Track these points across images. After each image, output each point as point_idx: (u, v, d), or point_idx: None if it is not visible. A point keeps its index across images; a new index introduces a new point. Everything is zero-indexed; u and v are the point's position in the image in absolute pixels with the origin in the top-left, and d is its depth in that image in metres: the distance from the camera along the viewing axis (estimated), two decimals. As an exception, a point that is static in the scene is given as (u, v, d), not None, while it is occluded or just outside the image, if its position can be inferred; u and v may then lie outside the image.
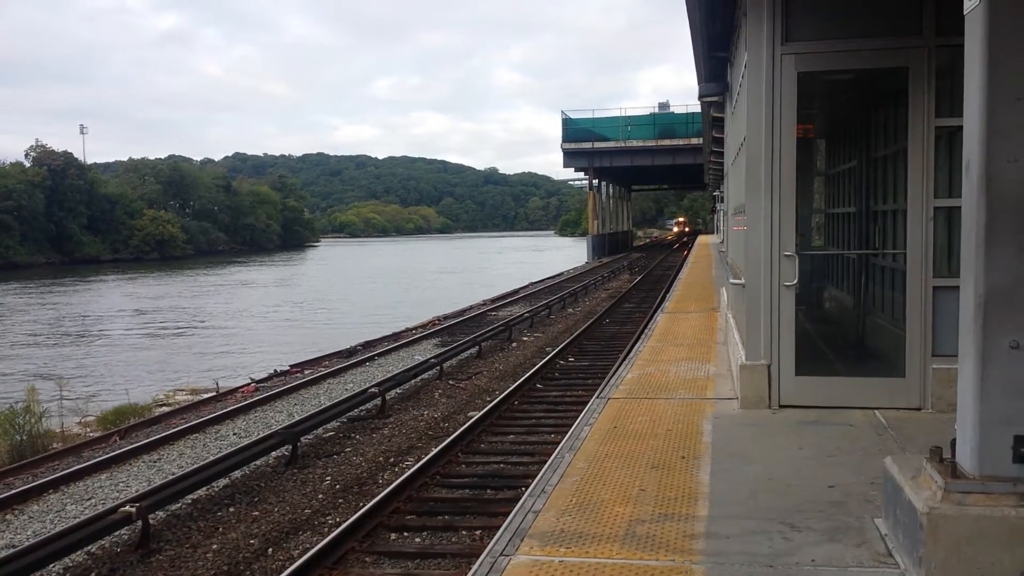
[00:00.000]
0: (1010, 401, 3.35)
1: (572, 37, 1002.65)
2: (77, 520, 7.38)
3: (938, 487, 3.45)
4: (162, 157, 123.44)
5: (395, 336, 21.62)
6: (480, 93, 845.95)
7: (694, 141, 49.90)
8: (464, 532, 7.07)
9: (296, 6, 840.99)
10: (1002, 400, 3.36)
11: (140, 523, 7.21)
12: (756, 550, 3.98)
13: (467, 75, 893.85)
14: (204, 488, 8.51)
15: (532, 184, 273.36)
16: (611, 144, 57.95)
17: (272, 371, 17.48)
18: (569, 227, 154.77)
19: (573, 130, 58.74)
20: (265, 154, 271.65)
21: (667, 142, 56.46)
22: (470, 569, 4.06)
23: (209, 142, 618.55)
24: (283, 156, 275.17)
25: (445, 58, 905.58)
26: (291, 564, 6.34)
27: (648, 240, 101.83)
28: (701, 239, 60.61)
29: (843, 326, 8.64)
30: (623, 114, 59.68)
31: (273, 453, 9.66)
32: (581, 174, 64.86)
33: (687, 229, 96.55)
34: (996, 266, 3.36)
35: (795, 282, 6.62)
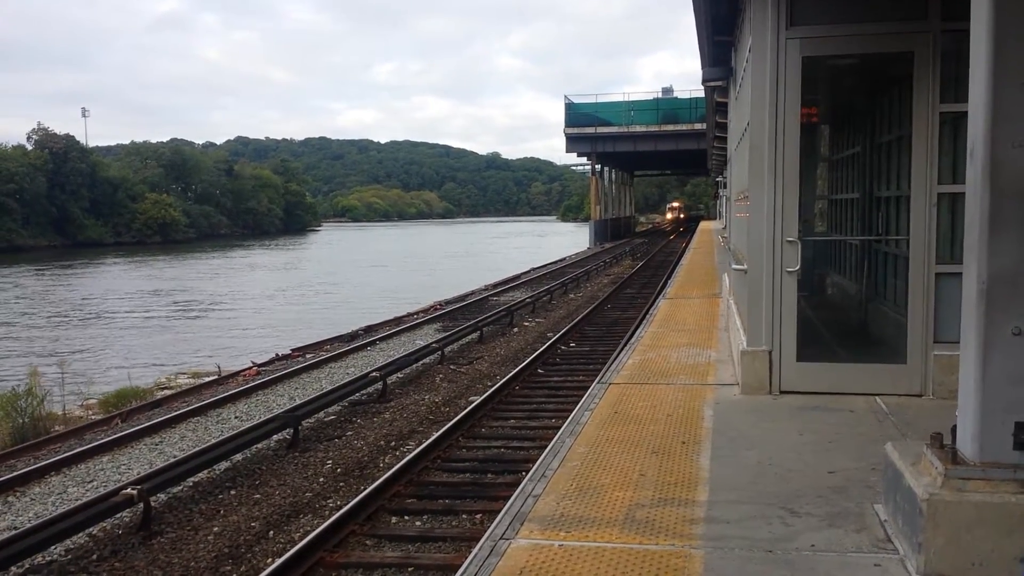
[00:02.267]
0: (1012, 388, 3.34)
1: (571, 24, 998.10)
2: (79, 502, 7.43)
3: (938, 473, 3.44)
4: (164, 141, 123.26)
5: (397, 320, 21.63)
6: (481, 78, 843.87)
7: (697, 126, 49.66)
8: (464, 516, 7.09)
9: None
10: (1004, 387, 3.34)
11: (142, 505, 7.23)
12: (756, 535, 3.98)
13: (467, 61, 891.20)
14: (206, 471, 8.54)
15: (534, 169, 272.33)
16: (614, 129, 57.71)
17: (274, 355, 17.53)
18: (571, 212, 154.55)
19: (576, 115, 58.48)
20: (267, 138, 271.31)
21: (670, 127, 56.22)
22: (470, 552, 4.07)
23: (211, 126, 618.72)
24: (285, 140, 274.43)
25: (444, 44, 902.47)
26: (292, 547, 6.36)
27: (651, 226, 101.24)
28: (703, 225, 60.48)
29: (845, 312, 8.61)
30: (626, 99, 59.47)
31: (274, 436, 9.68)
32: (584, 159, 64.71)
33: (682, 216, 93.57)
34: (1000, 252, 3.34)
35: (797, 268, 6.60)
